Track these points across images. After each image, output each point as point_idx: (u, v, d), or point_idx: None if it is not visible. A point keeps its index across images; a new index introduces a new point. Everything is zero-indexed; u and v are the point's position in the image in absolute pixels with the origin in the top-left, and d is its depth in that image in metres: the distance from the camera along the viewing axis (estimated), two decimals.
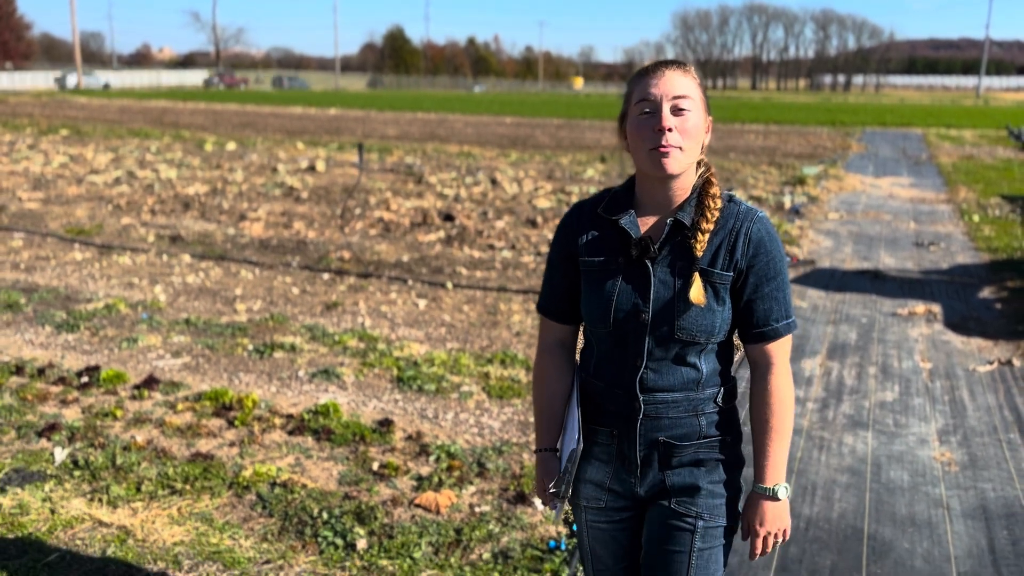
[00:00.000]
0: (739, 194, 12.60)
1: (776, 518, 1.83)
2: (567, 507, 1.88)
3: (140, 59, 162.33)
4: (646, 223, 1.80)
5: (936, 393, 4.99)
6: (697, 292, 1.71)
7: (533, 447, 2.11)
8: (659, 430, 1.81)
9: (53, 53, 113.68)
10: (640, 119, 1.72)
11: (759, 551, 1.86)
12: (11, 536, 3.21)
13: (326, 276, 7.55)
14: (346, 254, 8.36)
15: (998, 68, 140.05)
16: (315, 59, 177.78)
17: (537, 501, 3.55)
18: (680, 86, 1.71)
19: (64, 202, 11.33)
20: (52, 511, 3.43)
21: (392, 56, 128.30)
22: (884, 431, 4.45)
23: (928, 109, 47.03)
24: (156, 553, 3.13)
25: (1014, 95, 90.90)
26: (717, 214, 1.75)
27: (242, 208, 10.96)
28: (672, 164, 1.69)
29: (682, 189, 1.77)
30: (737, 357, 1.93)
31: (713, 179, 1.80)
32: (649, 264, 1.76)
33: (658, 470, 1.84)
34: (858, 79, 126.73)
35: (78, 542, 3.20)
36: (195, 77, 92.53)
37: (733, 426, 1.88)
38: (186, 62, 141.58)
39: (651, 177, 1.75)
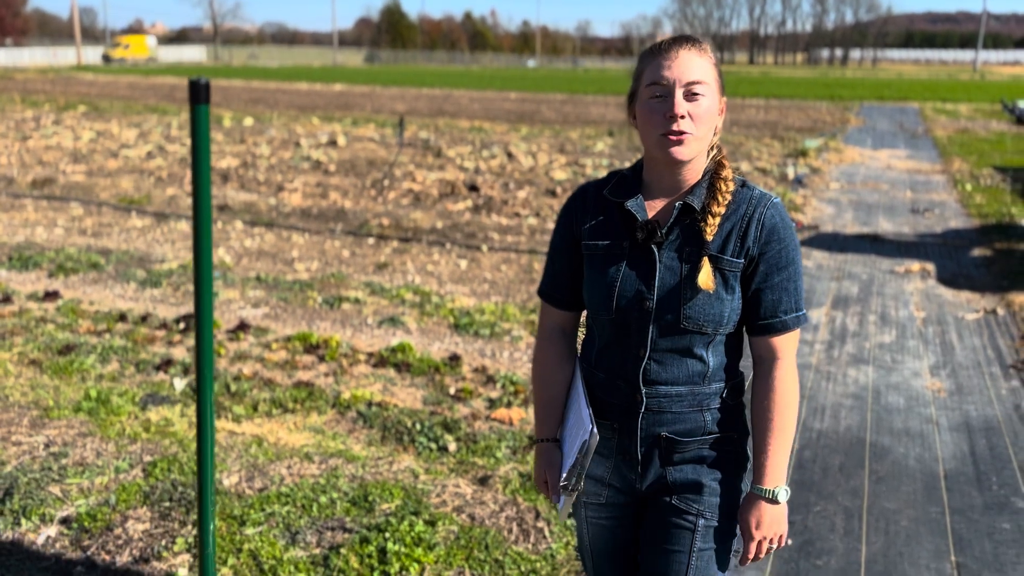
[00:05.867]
0: (744, 166, 13.27)
1: (774, 522, 1.75)
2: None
3: (133, 34, 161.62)
4: (654, 207, 1.74)
5: (928, 336, 5.68)
6: (706, 277, 1.66)
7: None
8: (661, 425, 1.75)
9: (46, 29, 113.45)
10: (651, 103, 1.65)
11: (752, 555, 1.78)
12: (167, 441, 3.90)
13: (370, 241, 8.22)
14: (385, 221, 9.03)
15: (995, 42, 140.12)
16: (309, 34, 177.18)
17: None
18: (695, 70, 1.63)
19: (107, 174, 11.96)
20: (190, 424, 4.12)
21: (389, 31, 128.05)
22: (883, 366, 5.14)
23: (925, 84, 47.54)
24: (289, 451, 3.83)
25: (1011, 69, 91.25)
26: (729, 197, 1.69)
27: (277, 180, 11.60)
28: (683, 151, 1.64)
29: (693, 172, 1.71)
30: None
31: (725, 162, 1.74)
32: (655, 249, 1.70)
33: (660, 466, 1.79)
34: (855, 53, 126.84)
35: (222, 443, 3.89)
36: (193, 53, 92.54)
37: (739, 423, 1.82)
38: (179, 37, 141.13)
39: (660, 161, 1.70)
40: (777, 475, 1.73)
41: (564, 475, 1.81)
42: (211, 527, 1.90)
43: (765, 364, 1.76)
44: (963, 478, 3.79)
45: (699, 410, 1.74)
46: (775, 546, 1.78)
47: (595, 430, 1.71)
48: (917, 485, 3.73)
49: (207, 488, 1.92)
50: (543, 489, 1.93)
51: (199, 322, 1.85)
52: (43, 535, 3.14)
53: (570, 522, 3.27)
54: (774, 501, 1.73)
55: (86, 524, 3.20)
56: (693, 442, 1.76)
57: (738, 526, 1.80)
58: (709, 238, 1.67)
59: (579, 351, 1.92)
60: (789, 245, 1.70)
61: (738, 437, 1.81)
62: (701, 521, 1.78)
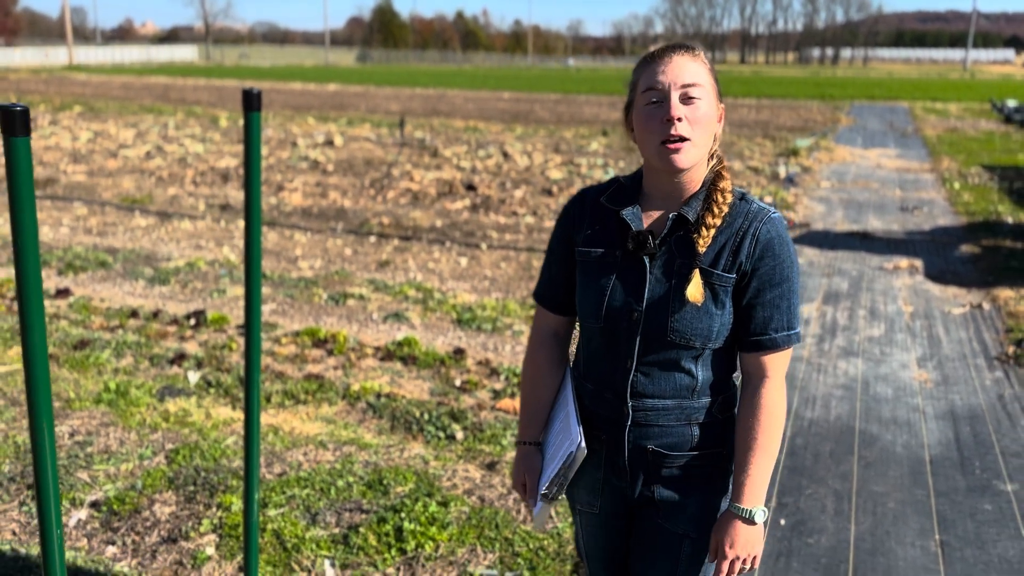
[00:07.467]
0: (736, 165, 13.47)
1: (748, 542, 1.70)
2: (553, 508, 1.89)
3: (123, 34, 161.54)
4: (650, 216, 1.72)
5: (916, 330, 5.87)
6: (695, 289, 1.63)
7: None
8: (648, 438, 1.74)
9: (36, 28, 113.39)
10: (647, 109, 1.64)
11: (724, 575, 1.74)
12: (186, 430, 4.07)
13: (372, 239, 8.38)
14: (386, 220, 9.20)
15: (985, 40, 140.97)
16: (300, 33, 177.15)
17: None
18: (689, 73, 1.62)
19: (108, 174, 12.09)
20: (207, 415, 4.28)
21: (380, 30, 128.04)
22: (872, 358, 5.33)
23: (915, 83, 47.88)
24: (304, 440, 3.99)
25: (1000, 68, 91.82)
26: (725, 209, 1.67)
27: (277, 180, 11.75)
28: (682, 159, 1.62)
29: (691, 182, 1.69)
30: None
31: (725, 173, 1.72)
32: (646, 260, 1.68)
33: (647, 479, 1.77)
34: (846, 52, 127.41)
35: (240, 432, 4.05)
36: (185, 52, 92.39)
37: (729, 438, 1.79)
38: (170, 37, 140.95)
39: (660, 170, 1.68)
40: (756, 495, 1.68)
41: (546, 483, 1.79)
42: (255, 496, 2.07)
43: (753, 381, 1.71)
44: (948, 463, 3.98)
45: (687, 424, 1.73)
46: (747, 567, 1.73)
47: (583, 444, 1.71)
48: (904, 470, 3.92)
49: (253, 464, 2.08)
50: (520, 492, 1.92)
51: (248, 321, 2.02)
52: (74, 518, 3.30)
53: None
54: (750, 521, 1.68)
55: (115, 507, 3.36)
56: (681, 456, 1.74)
57: (711, 544, 1.76)
58: (702, 251, 1.65)
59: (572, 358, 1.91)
60: (784, 262, 1.66)
61: (727, 453, 1.78)
62: (688, 540, 1.78)
